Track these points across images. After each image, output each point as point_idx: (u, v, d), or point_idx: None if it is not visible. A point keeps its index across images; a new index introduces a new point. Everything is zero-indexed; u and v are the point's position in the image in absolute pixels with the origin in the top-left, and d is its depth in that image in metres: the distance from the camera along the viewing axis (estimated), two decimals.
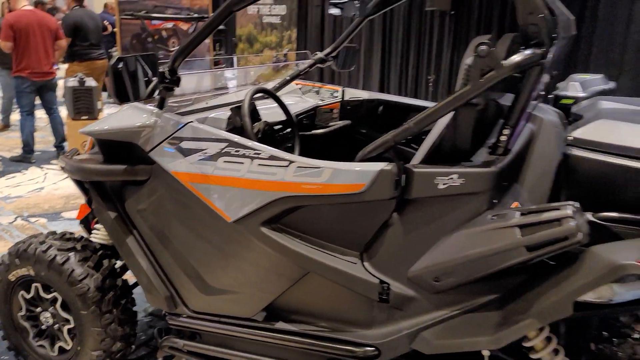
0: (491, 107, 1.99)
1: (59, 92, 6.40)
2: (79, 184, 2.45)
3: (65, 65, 6.66)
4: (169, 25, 6.02)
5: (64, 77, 6.44)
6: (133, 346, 2.45)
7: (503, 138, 1.68)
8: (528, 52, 1.54)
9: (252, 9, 10.03)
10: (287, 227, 1.83)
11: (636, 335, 1.85)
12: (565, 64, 5.10)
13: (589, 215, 1.62)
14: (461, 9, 6.35)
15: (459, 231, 1.66)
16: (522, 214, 1.58)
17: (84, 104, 5.67)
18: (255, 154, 1.80)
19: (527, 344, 1.77)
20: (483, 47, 1.51)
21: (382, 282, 1.76)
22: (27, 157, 5.99)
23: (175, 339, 2.16)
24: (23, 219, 4.37)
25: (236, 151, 1.83)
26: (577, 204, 1.54)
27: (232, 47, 11.29)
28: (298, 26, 9.75)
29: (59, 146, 6.23)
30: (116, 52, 9.03)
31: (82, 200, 2.54)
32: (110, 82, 1.96)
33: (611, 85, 2.80)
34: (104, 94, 8.36)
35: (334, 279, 1.80)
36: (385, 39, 8.01)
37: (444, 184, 1.64)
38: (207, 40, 6.28)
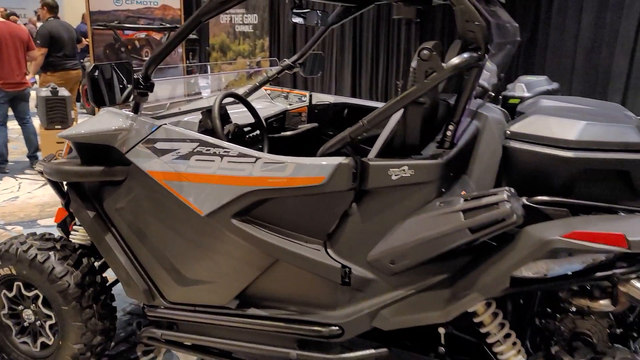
0: (442, 107, 2.19)
1: (32, 102, 6.44)
2: (57, 188, 2.56)
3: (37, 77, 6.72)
4: (142, 35, 6.13)
5: (37, 87, 6.49)
6: (112, 343, 2.57)
7: (448, 133, 1.86)
8: (466, 55, 1.73)
9: (224, 19, 10.19)
10: (256, 219, 1.98)
11: (573, 309, 2.05)
12: (523, 67, 5.38)
13: (524, 200, 1.81)
14: (426, 17, 6.61)
15: (411, 218, 1.84)
16: (465, 200, 1.76)
17: (57, 114, 5.74)
18: (224, 152, 1.95)
19: (476, 319, 1.96)
20: (425, 52, 1.70)
21: (344, 266, 1.93)
22: (0, 167, 6.01)
23: (154, 330, 2.29)
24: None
25: (207, 150, 1.98)
26: (513, 190, 1.73)
27: (206, 56, 11.40)
28: (270, 34, 9.94)
29: (33, 156, 6.27)
30: (88, 62, 9.07)
31: (56, 207, 2.65)
32: (88, 89, 2.09)
33: (554, 86, 3.04)
34: (78, 104, 8.40)
35: (300, 266, 1.96)
36: (356, 46, 8.27)
37: (396, 175, 1.82)
38: (180, 49, 6.40)
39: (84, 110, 9.58)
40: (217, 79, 3.43)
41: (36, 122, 6.31)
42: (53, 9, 6.59)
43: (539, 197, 1.81)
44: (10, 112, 6.11)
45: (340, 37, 8.52)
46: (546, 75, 5.15)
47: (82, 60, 9.04)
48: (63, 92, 5.79)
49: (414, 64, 1.72)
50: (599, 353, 1.72)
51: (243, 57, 10.35)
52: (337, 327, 1.96)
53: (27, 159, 6.39)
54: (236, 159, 1.93)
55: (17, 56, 5.88)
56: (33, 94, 6.69)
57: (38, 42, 6.15)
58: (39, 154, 6.25)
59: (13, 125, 6.57)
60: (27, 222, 4.54)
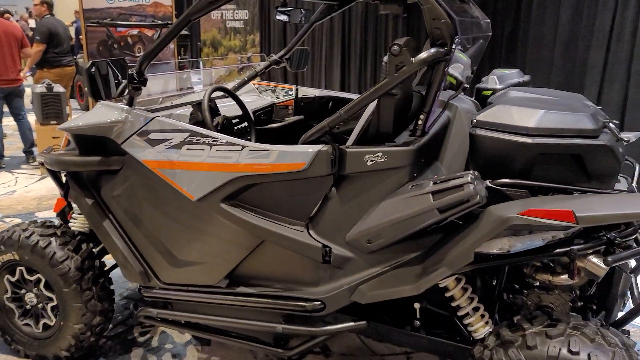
0: (416, 98, 2.35)
1: (26, 99, 6.55)
2: (56, 178, 2.70)
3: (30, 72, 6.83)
4: (134, 32, 6.25)
5: (32, 83, 6.60)
6: (111, 325, 2.72)
7: (420, 122, 2.03)
8: (433, 50, 1.89)
9: (215, 15, 10.31)
10: (243, 203, 2.14)
11: (537, 284, 2.23)
12: (505, 60, 5.56)
13: (487, 182, 1.98)
14: (413, 12, 6.76)
15: (385, 200, 2.00)
16: (434, 183, 1.93)
17: (52, 109, 5.86)
18: (213, 141, 2.11)
19: (448, 294, 2.13)
20: (396, 47, 1.86)
21: (324, 246, 2.09)
22: None
23: (150, 309, 2.45)
24: None
25: (197, 140, 2.14)
26: (477, 173, 1.90)
27: (198, 52, 11.50)
28: (261, 30, 10.06)
29: (28, 151, 6.39)
30: (82, 59, 9.18)
31: (53, 201, 2.79)
32: (87, 84, 2.23)
33: (526, 78, 3.20)
34: (73, 101, 8.51)
35: (284, 246, 2.12)
36: (345, 41, 8.41)
37: (371, 161, 1.98)
38: (172, 45, 6.53)
39: (78, 107, 9.69)
40: (207, 74, 3.58)
41: (31, 118, 6.43)
42: (50, 7, 6.72)
43: (501, 180, 1.97)
44: (6, 109, 6.22)
45: (329, 32, 8.66)
46: (519, 68, 5.35)
47: (75, 57, 9.15)
48: (58, 88, 5.91)
49: (385, 58, 1.88)
50: (555, 320, 1.89)
51: (234, 53, 10.46)
52: (319, 302, 2.13)
53: (23, 154, 6.51)
54: (224, 147, 2.09)
55: (12, 53, 5.99)
56: (28, 90, 6.79)
57: (37, 38, 6.25)
58: (34, 149, 6.38)
59: (8, 121, 6.68)
60: (25, 215, 4.67)
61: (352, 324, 2.16)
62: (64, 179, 2.66)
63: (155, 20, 6.44)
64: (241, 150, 2.06)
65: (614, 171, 1.99)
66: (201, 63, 11.04)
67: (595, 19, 4.67)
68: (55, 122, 5.89)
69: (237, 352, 2.79)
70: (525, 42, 5.38)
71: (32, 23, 13.37)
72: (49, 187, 5.46)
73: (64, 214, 2.90)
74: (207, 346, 2.84)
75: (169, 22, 6.47)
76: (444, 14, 1.86)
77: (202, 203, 2.16)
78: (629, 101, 4.47)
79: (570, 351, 1.75)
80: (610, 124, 2.10)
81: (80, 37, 6.85)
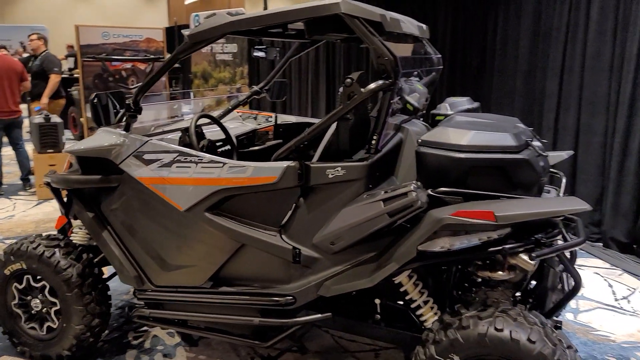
0: (372, 122, 2.74)
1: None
2: (59, 197, 3.05)
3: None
4: (128, 65, 6.66)
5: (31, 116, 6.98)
6: (107, 331, 3.02)
7: (373, 142, 2.41)
8: (380, 82, 2.27)
9: (205, 48, 10.78)
10: (225, 212, 2.50)
11: (479, 280, 2.58)
12: (473, 88, 6.01)
13: (429, 191, 2.34)
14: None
15: (345, 207, 2.36)
16: (385, 192, 2.29)
17: (50, 139, 6.22)
18: (198, 159, 2.48)
19: (402, 289, 2.47)
20: (348, 80, 2.25)
21: (294, 248, 2.44)
22: None
23: (143, 309, 2.77)
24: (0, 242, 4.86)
25: (185, 159, 2.50)
26: (419, 183, 2.28)
27: (189, 83, 11.96)
28: (249, 62, 10.54)
29: (25, 179, 6.72)
30: (75, 91, 9.59)
31: (50, 224, 3.11)
32: (90, 112, 2.61)
33: (475, 105, 3.60)
34: (66, 131, 8.86)
35: (260, 248, 2.46)
36: (330, 72, 8.90)
37: (332, 175, 2.35)
38: (164, 78, 6.94)
39: (72, 137, 10.05)
40: (196, 103, 3.97)
41: (28, 147, 6.78)
42: (47, 43, 7.17)
43: (440, 189, 2.34)
44: (5, 139, 6.57)
45: (315, 63, 9.16)
46: (487, 97, 5.80)
47: (69, 90, 9.57)
48: (55, 119, 6.28)
49: (340, 89, 2.27)
50: (487, 306, 2.24)
51: (224, 84, 10.91)
52: (290, 297, 2.46)
53: (20, 182, 6.84)
54: (208, 164, 2.46)
55: (11, 86, 6.36)
56: (25, 121, 7.15)
57: (56, 69, 6.70)
58: (31, 177, 6.70)
59: (5, 151, 7.01)
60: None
61: (319, 315, 2.50)
62: (65, 199, 3.02)
63: (148, 55, 6.87)
64: (222, 166, 2.43)
65: (534, 181, 2.36)
66: (192, 94, 11.47)
67: (549, 52, 5.14)
68: (52, 151, 6.24)
69: (222, 351, 3.10)
70: (491, 72, 5.85)
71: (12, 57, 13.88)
72: (45, 212, 5.77)
73: (65, 230, 3.23)
74: (194, 347, 3.15)
75: (161, 56, 6.90)
76: (387, 52, 2.25)
77: (189, 213, 2.51)
78: (581, 125, 4.90)
79: (495, 329, 2.10)
80: (534, 142, 2.49)
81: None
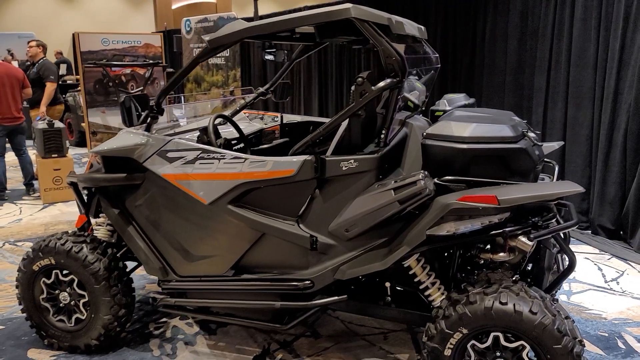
0: (380, 118, 2.94)
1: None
2: (80, 198, 3.22)
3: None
4: (128, 70, 6.82)
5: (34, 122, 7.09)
6: (129, 323, 3.18)
7: (382, 136, 2.61)
8: (388, 80, 2.48)
9: (198, 51, 10.93)
10: (246, 204, 2.68)
11: (482, 262, 2.79)
12: (465, 85, 6.25)
13: (435, 179, 2.55)
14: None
15: (358, 197, 2.56)
16: (395, 182, 2.50)
17: (53, 144, 6.35)
18: (221, 156, 2.66)
19: (411, 272, 2.68)
20: (359, 79, 2.45)
21: (312, 236, 2.63)
22: (0, 194, 6.55)
23: (168, 299, 2.94)
24: (10, 244, 4.99)
25: (208, 155, 2.69)
26: (426, 172, 2.48)
27: (181, 87, 12.08)
28: (242, 66, 10.71)
29: (29, 183, 6.83)
30: (70, 97, 9.70)
31: (58, 227, 3.25)
32: (121, 114, 2.79)
33: (471, 101, 3.83)
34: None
35: (280, 237, 2.65)
36: (322, 74, 9.11)
37: (345, 167, 2.55)
38: (162, 82, 7.10)
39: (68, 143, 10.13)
40: (204, 106, 4.15)
41: (30, 152, 6.90)
42: (46, 50, 7.29)
43: (446, 177, 2.55)
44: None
45: (307, 66, 9.37)
46: (478, 93, 6.04)
47: (64, 96, 9.67)
48: (58, 124, 6.41)
49: (352, 88, 2.47)
50: (491, 283, 2.45)
51: (217, 88, 11.07)
52: (309, 281, 2.66)
53: (23, 187, 6.95)
54: (230, 160, 2.64)
55: (14, 93, 6.49)
56: None
57: (52, 77, 6.78)
58: (35, 182, 6.82)
59: (7, 156, 7.12)
60: (35, 239, 5.10)
61: (336, 298, 2.69)
62: (85, 199, 3.19)
63: (147, 60, 7.02)
64: (244, 161, 2.62)
65: (530, 168, 2.58)
66: (182, 98, 11.61)
67: (536, 49, 5.39)
68: (56, 155, 6.37)
69: (239, 338, 3.28)
70: (481, 69, 6.09)
71: (15, 64, 13.89)
72: (52, 215, 5.91)
73: (84, 229, 3.39)
74: (213, 335, 3.33)
75: (159, 61, 7.05)
76: (394, 53, 2.46)
77: (213, 206, 2.69)
78: (568, 118, 5.16)
79: (500, 302, 2.31)
80: (529, 133, 2.71)
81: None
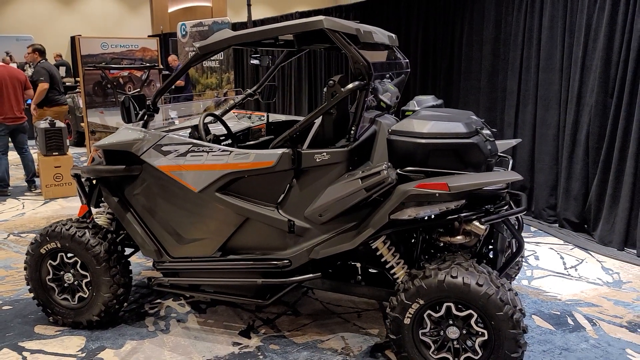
0: (351, 117, 3.29)
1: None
2: (82, 189, 3.56)
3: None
4: (125, 73, 7.16)
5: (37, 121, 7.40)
6: (126, 304, 3.51)
7: (352, 132, 2.96)
8: (356, 83, 2.83)
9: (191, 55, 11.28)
10: (232, 192, 3.03)
11: (441, 245, 3.13)
12: (444, 89, 6.61)
13: (398, 170, 2.89)
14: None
15: (330, 186, 2.91)
16: (362, 172, 2.84)
17: (55, 143, 6.68)
18: (209, 149, 3.01)
19: (378, 253, 3.02)
20: (331, 82, 2.81)
21: (289, 220, 2.97)
22: (3, 190, 6.87)
23: (162, 278, 3.28)
24: (15, 235, 5.31)
25: (198, 149, 3.03)
26: (389, 163, 2.83)
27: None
28: (235, 69, 11.07)
29: (30, 180, 7.15)
30: (70, 99, 10.02)
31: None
32: (121, 112, 3.13)
33: (439, 102, 4.18)
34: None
35: (261, 221, 3.00)
36: (311, 76, 9.47)
37: (319, 159, 2.89)
38: (158, 83, 7.44)
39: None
40: (196, 105, 4.50)
41: (32, 151, 7.22)
42: (43, 53, 7.60)
43: (407, 168, 2.90)
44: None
45: (297, 69, 9.74)
46: (455, 96, 6.40)
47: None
48: (59, 124, 6.74)
49: (324, 89, 2.82)
50: (445, 260, 2.80)
51: (211, 90, 11.42)
52: (287, 260, 3.00)
53: (24, 184, 7.27)
54: (217, 153, 2.99)
55: (16, 94, 6.81)
56: None
57: (42, 79, 7.09)
58: (36, 179, 7.15)
59: (9, 155, 7.43)
60: (37, 231, 5.40)
61: (310, 275, 3.04)
62: (87, 190, 3.52)
63: (144, 63, 7.36)
64: (229, 154, 2.97)
65: (482, 161, 2.93)
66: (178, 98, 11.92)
67: (508, 54, 5.77)
68: (57, 153, 6.70)
69: (227, 317, 3.62)
70: (459, 73, 6.46)
71: (14, 67, 14.22)
72: (54, 209, 6.23)
73: (86, 217, 3.72)
74: (203, 313, 3.67)
75: (155, 64, 7.39)
76: (361, 58, 2.81)
77: (202, 193, 3.04)
78: (537, 119, 5.53)
79: (451, 276, 2.66)
80: (484, 130, 3.06)
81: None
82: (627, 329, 3.43)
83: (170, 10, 21.45)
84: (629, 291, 4.00)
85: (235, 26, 10.83)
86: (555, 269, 4.43)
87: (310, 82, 9.50)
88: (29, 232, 5.39)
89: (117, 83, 7.07)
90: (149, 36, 17.63)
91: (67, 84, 11.66)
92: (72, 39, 20.14)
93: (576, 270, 4.41)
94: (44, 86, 7.11)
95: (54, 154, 6.66)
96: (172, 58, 11.07)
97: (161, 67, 7.50)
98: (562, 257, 4.68)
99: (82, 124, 7.78)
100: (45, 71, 7.16)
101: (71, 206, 6.37)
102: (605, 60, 4.78)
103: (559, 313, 3.66)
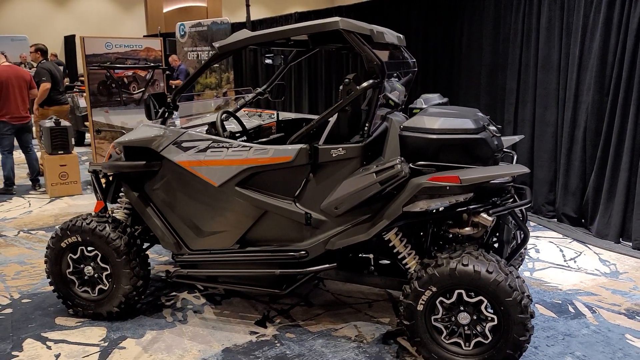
0: (364, 114, 3.43)
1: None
2: (99, 185, 3.66)
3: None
4: (129, 73, 7.25)
5: (37, 120, 7.48)
6: (143, 296, 3.63)
7: (365, 129, 3.09)
8: (370, 81, 2.97)
9: (192, 55, 11.37)
10: (251, 186, 3.15)
11: (450, 237, 3.27)
12: (446, 86, 6.77)
13: (410, 164, 3.03)
14: None
15: (345, 179, 3.04)
16: (376, 166, 2.98)
17: (60, 141, 6.75)
18: (229, 145, 3.13)
19: (391, 244, 3.16)
20: (346, 80, 2.94)
21: (306, 213, 3.10)
22: (8, 189, 6.93)
23: (181, 270, 3.40)
24: (25, 232, 5.39)
25: (218, 144, 3.15)
26: (402, 158, 2.96)
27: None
28: (234, 68, 11.17)
29: (35, 179, 7.22)
30: (70, 98, 10.08)
31: (68, 217, 3.65)
32: (145, 110, 3.24)
33: (445, 100, 4.32)
34: None
35: (279, 214, 3.12)
36: (312, 76, 9.61)
37: (335, 154, 3.02)
38: (162, 83, 7.54)
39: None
40: (208, 103, 4.61)
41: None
42: (45, 53, 7.68)
43: (419, 162, 3.03)
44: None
45: (298, 68, 9.86)
46: (456, 94, 6.56)
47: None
48: (65, 123, 6.82)
49: (340, 87, 2.96)
50: (456, 249, 2.94)
51: (210, 89, 11.51)
52: (304, 252, 3.13)
53: (29, 183, 7.35)
54: (237, 148, 3.11)
55: (22, 94, 6.88)
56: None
57: (44, 79, 7.16)
58: (41, 177, 7.22)
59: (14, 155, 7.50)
60: (47, 228, 5.52)
61: (326, 265, 3.17)
62: (104, 186, 3.63)
63: (148, 62, 7.46)
64: (249, 150, 3.09)
65: (489, 155, 3.07)
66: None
67: (508, 54, 5.93)
68: (62, 152, 6.78)
69: (242, 307, 3.74)
70: (459, 72, 6.62)
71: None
72: (60, 207, 6.32)
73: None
74: (219, 305, 3.79)
75: (159, 64, 7.49)
76: (375, 58, 2.95)
77: (222, 188, 3.16)
78: (536, 117, 5.69)
79: (463, 264, 2.80)
80: (490, 126, 3.20)
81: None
82: (626, 316, 3.59)
83: (165, 10, 21.50)
84: (626, 281, 4.17)
85: (233, 26, 10.93)
86: (556, 261, 4.59)
87: (310, 81, 9.63)
88: (38, 229, 5.48)
89: (122, 82, 7.16)
90: (144, 36, 17.68)
91: (66, 84, 11.70)
92: (66, 38, 20.16)
93: (575, 262, 4.57)
94: (46, 86, 7.19)
95: (59, 152, 6.74)
96: (172, 58, 11.17)
97: (165, 67, 7.59)
98: (561, 250, 4.84)
99: (87, 123, 7.85)
100: (46, 71, 7.24)
101: (77, 204, 6.45)
102: (601, 59, 4.95)
103: (560, 302, 3.81)
